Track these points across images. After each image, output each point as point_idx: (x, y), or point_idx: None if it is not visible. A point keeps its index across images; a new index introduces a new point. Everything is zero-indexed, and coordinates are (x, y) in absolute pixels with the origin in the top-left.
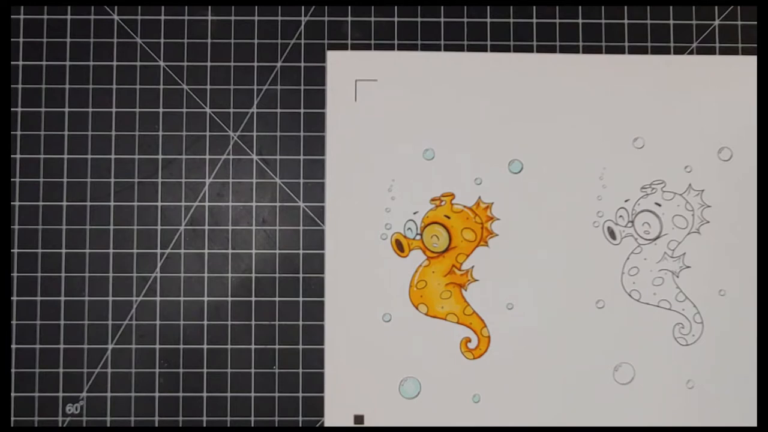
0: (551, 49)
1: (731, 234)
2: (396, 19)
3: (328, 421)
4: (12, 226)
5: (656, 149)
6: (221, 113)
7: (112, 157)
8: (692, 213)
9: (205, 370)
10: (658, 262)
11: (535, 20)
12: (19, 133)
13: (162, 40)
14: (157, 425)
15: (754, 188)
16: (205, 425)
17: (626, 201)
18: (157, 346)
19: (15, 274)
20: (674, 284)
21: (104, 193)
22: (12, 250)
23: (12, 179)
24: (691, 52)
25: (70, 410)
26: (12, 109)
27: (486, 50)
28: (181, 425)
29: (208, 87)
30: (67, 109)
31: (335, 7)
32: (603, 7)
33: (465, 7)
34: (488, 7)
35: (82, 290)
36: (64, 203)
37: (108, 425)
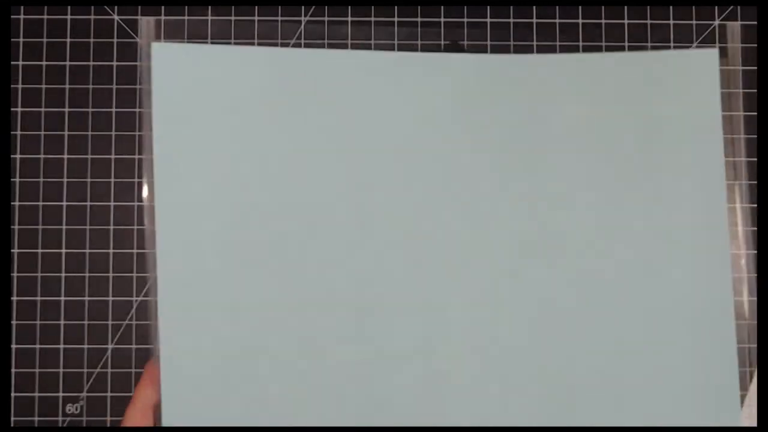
0: (551, 49)
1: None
2: (396, 19)
3: None
4: (12, 226)
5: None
6: None
7: (112, 157)
8: None
9: None
10: None
11: (535, 20)
12: (19, 133)
13: (162, 41)
14: None
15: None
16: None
17: None
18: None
19: (15, 274)
20: None
21: (104, 193)
22: (12, 250)
23: (12, 179)
24: None
25: (70, 410)
26: (12, 109)
27: (486, 50)
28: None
29: None
30: (67, 109)
31: (335, 7)
32: (603, 7)
33: (465, 7)
34: (488, 7)
35: (82, 290)
36: (64, 203)
37: (108, 425)
